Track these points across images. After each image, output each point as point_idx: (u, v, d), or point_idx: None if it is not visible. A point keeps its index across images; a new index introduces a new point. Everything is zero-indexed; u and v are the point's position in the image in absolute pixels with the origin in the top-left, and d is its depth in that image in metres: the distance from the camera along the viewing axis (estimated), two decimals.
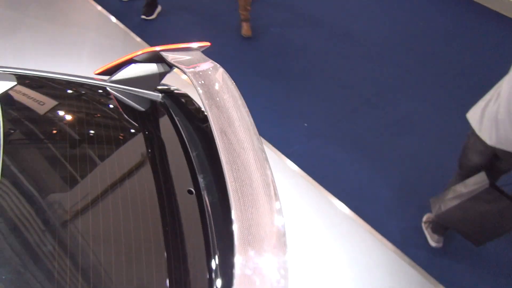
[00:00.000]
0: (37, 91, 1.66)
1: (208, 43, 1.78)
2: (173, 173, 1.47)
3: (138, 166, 1.51)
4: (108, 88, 1.77)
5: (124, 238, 1.21)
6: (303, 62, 4.21)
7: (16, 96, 1.53)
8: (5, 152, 1.28)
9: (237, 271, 1.02)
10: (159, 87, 1.88)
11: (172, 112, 1.74)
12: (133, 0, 4.85)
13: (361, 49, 4.42)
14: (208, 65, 1.65)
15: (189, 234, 1.32)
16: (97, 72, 1.82)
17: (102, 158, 1.48)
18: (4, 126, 1.36)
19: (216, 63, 1.66)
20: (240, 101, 1.46)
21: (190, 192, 1.44)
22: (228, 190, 1.18)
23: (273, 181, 1.25)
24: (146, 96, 1.81)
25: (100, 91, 1.76)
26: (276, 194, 1.22)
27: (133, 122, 1.68)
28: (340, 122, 3.67)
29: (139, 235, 1.25)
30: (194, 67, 1.61)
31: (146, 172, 1.47)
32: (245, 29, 4.44)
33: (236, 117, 1.39)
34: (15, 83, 1.50)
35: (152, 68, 1.77)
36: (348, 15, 4.85)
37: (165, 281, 1.18)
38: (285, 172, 3.22)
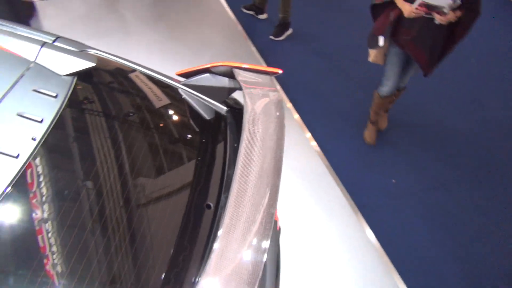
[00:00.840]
0: (111, 76, 1.83)
1: (280, 70, 1.77)
2: (202, 184, 1.52)
3: (181, 166, 1.58)
4: (180, 90, 1.87)
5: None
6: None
7: (91, 77, 1.71)
8: (55, 126, 1.43)
9: None
10: (229, 101, 1.93)
11: (228, 128, 1.78)
12: (266, 20, 5.07)
13: None
14: (269, 92, 1.65)
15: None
16: (178, 73, 1.94)
17: (155, 150, 1.59)
18: (69, 101, 1.53)
19: (278, 93, 1.66)
20: (278, 140, 1.45)
21: (208, 206, 1.47)
22: (225, 213, 1.18)
23: (272, 222, 1.21)
24: (212, 106, 1.87)
25: (171, 90, 1.87)
26: (268, 234, 1.18)
27: (194, 126, 1.77)
28: (436, 190, 3.35)
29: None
30: (254, 89, 1.63)
31: (185, 174, 1.57)
32: (369, 134, 3.76)
33: (265, 153, 1.38)
34: (94, 64, 1.67)
35: (224, 81, 1.83)
36: None
37: None
38: (353, 228, 3.03)
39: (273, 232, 2.02)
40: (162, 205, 1.47)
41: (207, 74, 1.87)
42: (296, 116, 3.64)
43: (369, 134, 3.68)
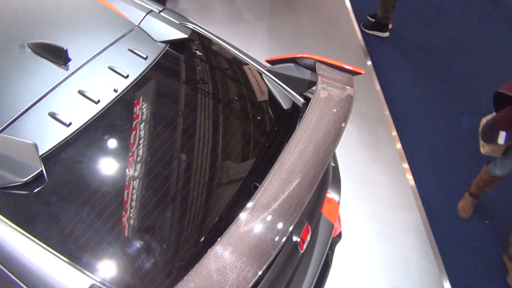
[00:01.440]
0: (200, 49, 1.94)
1: (362, 71, 1.72)
2: (259, 166, 1.57)
3: (247, 147, 1.65)
4: (263, 75, 1.92)
5: None
6: None
7: (181, 47, 1.84)
8: (137, 83, 1.59)
9: None
10: (307, 95, 1.93)
11: (299, 120, 1.78)
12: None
13: None
14: (343, 89, 1.62)
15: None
16: (267, 59, 1.99)
17: (227, 127, 1.69)
18: (156, 64, 1.68)
19: (351, 92, 1.62)
20: (334, 136, 1.42)
21: (255, 187, 1.51)
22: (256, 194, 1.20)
23: (300, 210, 1.23)
24: (290, 96, 1.89)
25: (255, 73, 1.93)
26: (293, 220, 1.22)
27: (270, 112, 1.82)
28: None
29: None
30: (328, 83, 1.62)
31: (248, 155, 1.66)
32: (464, 206, 3.13)
33: (314, 145, 1.38)
34: (186, 36, 1.80)
35: (306, 73, 1.83)
36: None
37: None
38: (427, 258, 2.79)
39: (325, 234, 1.97)
40: (225, 179, 1.55)
41: (291, 64, 1.89)
42: (399, 146, 3.44)
43: (464, 206, 3.10)
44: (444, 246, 2.88)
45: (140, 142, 1.49)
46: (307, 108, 1.53)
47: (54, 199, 1.29)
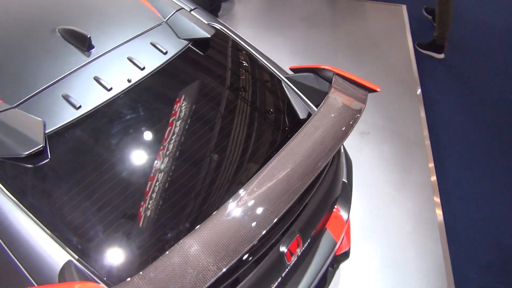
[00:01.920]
0: (221, 50, 1.97)
1: (378, 88, 1.67)
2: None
3: (257, 150, 1.66)
4: (283, 83, 1.92)
5: None
6: None
7: (203, 46, 1.87)
8: (152, 76, 1.64)
9: None
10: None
11: None
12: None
13: None
14: (353, 104, 1.59)
15: None
16: (291, 67, 1.98)
17: (238, 127, 1.71)
18: (174, 60, 1.73)
19: (361, 108, 1.58)
20: (331, 146, 1.40)
21: None
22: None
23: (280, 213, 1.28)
24: (307, 106, 1.88)
25: (274, 80, 1.93)
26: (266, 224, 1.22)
27: (285, 119, 1.83)
28: None
29: None
30: (340, 95, 1.60)
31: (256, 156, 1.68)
32: None
33: (308, 153, 1.37)
34: (209, 36, 1.83)
35: (324, 85, 1.81)
36: None
37: None
38: None
39: (325, 250, 1.93)
40: (216, 174, 1.57)
41: (311, 74, 1.87)
42: (433, 178, 3.27)
43: None
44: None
45: (143, 131, 1.54)
46: (311, 117, 1.52)
47: (51, 176, 1.37)
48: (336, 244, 1.96)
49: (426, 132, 3.58)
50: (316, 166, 1.38)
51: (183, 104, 1.67)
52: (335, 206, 2.03)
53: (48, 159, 1.38)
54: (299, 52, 4.46)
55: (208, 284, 1.08)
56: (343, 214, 2.05)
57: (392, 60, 4.43)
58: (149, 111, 1.61)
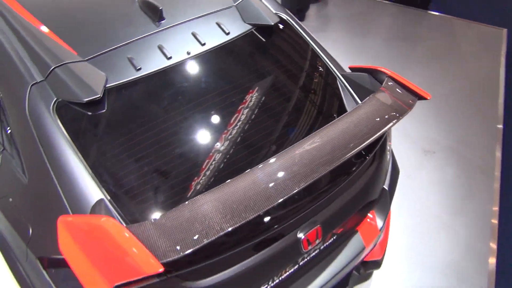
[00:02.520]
0: (282, 38, 2.02)
1: (429, 96, 1.64)
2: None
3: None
4: (337, 79, 1.94)
5: None
6: None
7: (264, 33, 1.94)
8: (210, 52, 1.76)
9: None
10: None
11: None
12: None
13: None
14: (397, 106, 1.59)
15: None
16: (350, 66, 1.99)
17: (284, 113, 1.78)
18: (234, 41, 1.83)
19: (404, 113, 1.56)
20: (352, 145, 1.45)
21: None
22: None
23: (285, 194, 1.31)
24: (355, 104, 1.88)
25: (330, 76, 1.95)
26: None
27: (332, 112, 1.86)
28: None
29: None
30: (384, 97, 1.61)
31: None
32: None
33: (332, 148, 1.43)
34: (272, 24, 1.91)
35: (376, 87, 1.81)
36: None
37: None
38: None
39: (351, 251, 1.92)
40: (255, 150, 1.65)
41: (366, 74, 1.87)
42: (495, 221, 3.02)
43: None
44: None
45: (191, 99, 1.66)
46: (350, 111, 1.54)
47: (102, 123, 1.53)
48: (364, 249, 1.94)
49: (497, 172, 3.32)
50: (341, 157, 1.39)
51: (234, 82, 1.76)
52: (370, 211, 2.00)
53: (103, 109, 1.54)
54: (375, 62, 4.38)
55: (208, 241, 1.16)
56: (378, 222, 2.01)
57: (478, 83, 4.17)
58: (200, 83, 1.72)
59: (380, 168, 1.91)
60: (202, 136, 1.60)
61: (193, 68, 1.73)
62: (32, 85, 1.55)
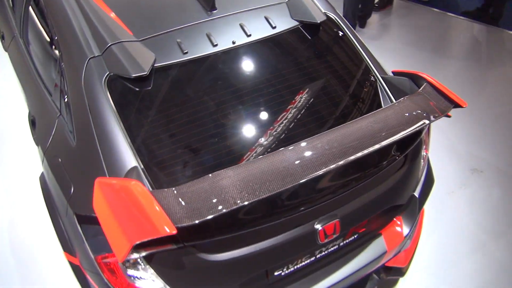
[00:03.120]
0: (327, 37, 2.06)
1: (465, 104, 1.63)
2: None
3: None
4: (377, 82, 1.95)
5: None
6: None
7: (310, 30, 2.00)
8: (255, 43, 1.85)
9: None
10: None
11: None
12: None
13: None
14: (430, 111, 1.60)
15: None
16: (394, 71, 2.00)
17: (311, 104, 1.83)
18: (278, 35, 1.92)
19: (433, 119, 1.57)
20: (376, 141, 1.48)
21: None
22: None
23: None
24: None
25: (370, 79, 1.97)
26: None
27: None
28: None
29: None
30: (419, 100, 1.61)
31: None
32: None
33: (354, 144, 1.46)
34: (317, 22, 1.96)
35: (414, 90, 1.81)
36: None
37: None
38: None
39: (371, 253, 1.93)
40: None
41: (406, 79, 1.87)
42: None
43: None
44: None
45: (229, 85, 1.75)
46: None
47: (146, 99, 1.66)
48: (385, 253, 1.94)
49: None
50: (369, 146, 1.43)
51: (275, 73, 1.84)
52: (397, 216, 1.99)
53: (148, 86, 1.67)
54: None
55: (221, 213, 1.24)
56: (404, 228, 2.00)
57: None
58: (241, 71, 1.81)
59: (411, 172, 1.90)
60: (234, 120, 1.69)
61: (236, 57, 1.82)
62: (89, 59, 1.71)
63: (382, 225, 1.96)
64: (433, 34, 4.95)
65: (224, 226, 1.49)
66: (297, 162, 1.37)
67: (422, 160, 1.99)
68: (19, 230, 2.78)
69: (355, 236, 1.83)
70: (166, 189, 1.33)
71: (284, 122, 1.71)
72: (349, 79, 1.96)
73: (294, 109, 1.75)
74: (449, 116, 1.88)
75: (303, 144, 1.44)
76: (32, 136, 2.32)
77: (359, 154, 1.40)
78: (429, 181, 2.12)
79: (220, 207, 1.26)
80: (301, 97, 1.80)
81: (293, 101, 1.78)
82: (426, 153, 2.06)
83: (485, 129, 3.64)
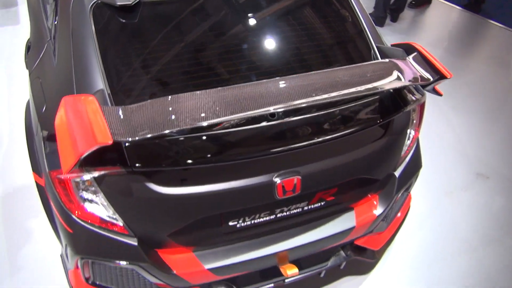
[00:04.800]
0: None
1: (450, 75, 1.55)
2: None
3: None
4: (371, 51, 1.88)
5: None
6: None
7: None
8: None
9: None
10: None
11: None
12: None
13: None
14: (409, 76, 1.53)
15: None
16: (393, 44, 1.92)
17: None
18: None
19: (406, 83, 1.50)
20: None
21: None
22: None
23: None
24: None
25: (365, 45, 1.90)
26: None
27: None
28: None
29: None
30: (402, 65, 1.56)
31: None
32: None
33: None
34: None
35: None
36: None
37: None
38: None
39: (338, 224, 1.87)
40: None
41: (400, 49, 1.80)
42: None
43: None
44: None
45: (208, 30, 1.74)
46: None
47: (128, 28, 1.66)
48: (354, 228, 1.87)
49: None
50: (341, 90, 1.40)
51: (261, 18, 1.80)
52: (372, 194, 1.92)
53: (132, 19, 1.67)
54: (456, 92, 4.08)
55: (160, 133, 1.23)
56: (379, 208, 1.92)
57: None
58: (227, 16, 1.79)
59: (390, 148, 1.81)
60: (205, 57, 1.68)
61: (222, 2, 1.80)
62: None
63: (354, 199, 1.89)
64: (465, 39, 4.75)
65: (175, 157, 1.46)
66: (255, 93, 1.34)
67: (407, 139, 1.91)
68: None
69: (322, 203, 1.77)
70: (117, 106, 1.32)
71: (258, 60, 1.69)
72: (342, 41, 1.90)
73: (272, 51, 1.73)
74: (440, 95, 1.80)
75: (265, 81, 1.41)
76: (25, 60, 2.37)
77: (320, 97, 1.34)
78: (414, 165, 2.02)
79: (161, 126, 1.24)
80: (283, 43, 1.77)
81: (274, 45, 1.75)
82: (415, 134, 1.96)
83: (502, 139, 3.47)
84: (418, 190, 2.86)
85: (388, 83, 1.46)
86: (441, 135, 3.46)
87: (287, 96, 1.33)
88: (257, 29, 1.78)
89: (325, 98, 1.36)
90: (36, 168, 1.81)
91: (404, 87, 1.62)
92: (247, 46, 1.74)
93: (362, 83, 1.43)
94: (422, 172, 2.99)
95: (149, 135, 1.22)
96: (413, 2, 5.01)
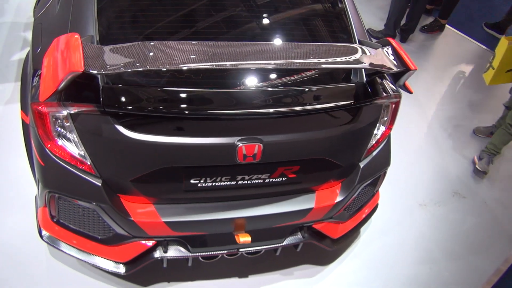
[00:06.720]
0: None
1: (414, 67, 1.66)
2: None
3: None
4: (353, 42, 1.98)
5: None
6: None
7: None
8: None
9: None
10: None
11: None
12: None
13: None
14: (374, 61, 1.64)
15: None
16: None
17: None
18: None
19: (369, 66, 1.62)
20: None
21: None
22: None
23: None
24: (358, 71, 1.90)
25: (348, 38, 2.00)
26: None
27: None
28: None
29: None
30: (373, 54, 1.70)
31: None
32: None
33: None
34: None
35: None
36: None
37: None
38: None
39: (296, 203, 1.95)
40: None
41: (378, 44, 1.88)
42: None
43: None
44: None
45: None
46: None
47: None
48: (311, 209, 1.94)
49: None
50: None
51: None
52: (334, 181, 1.99)
53: None
54: (457, 115, 4.13)
55: (129, 70, 1.35)
56: (339, 195, 2.00)
57: None
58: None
59: (356, 136, 1.88)
60: (194, 17, 1.82)
61: None
62: None
63: (316, 182, 1.96)
64: (473, 71, 4.80)
65: (145, 104, 1.56)
66: (229, 50, 1.47)
67: (376, 132, 1.98)
68: None
69: (284, 179, 1.84)
70: (98, 45, 1.45)
71: (242, 24, 1.86)
72: (323, 30, 2.00)
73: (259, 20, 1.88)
74: (410, 92, 1.89)
75: (243, 42, 1.56)
76: (33, 10, 2.52)
77: (280, 61, 1.47)
78: (381, 161, 2.10)
79: (133, 65, 1.35)
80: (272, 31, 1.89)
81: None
82: (386, 131, 2.03)
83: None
84: (393, 197, 2.93)
85: (349, 61, 1.57)
86: (425, 149, 3.53)
87: (254, 57, 1.45)
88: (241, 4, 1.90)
89: (283, 64, 1.48)
90: (24, 106, 1.93)
91: (377, 75, 1.80)
92: (235, 11, 1.86)
93: (326, 57, 1.54)
94: (400, 180, 3.08)
95: (120, 70, 1.33)
96: (425, 27, 5.08)
